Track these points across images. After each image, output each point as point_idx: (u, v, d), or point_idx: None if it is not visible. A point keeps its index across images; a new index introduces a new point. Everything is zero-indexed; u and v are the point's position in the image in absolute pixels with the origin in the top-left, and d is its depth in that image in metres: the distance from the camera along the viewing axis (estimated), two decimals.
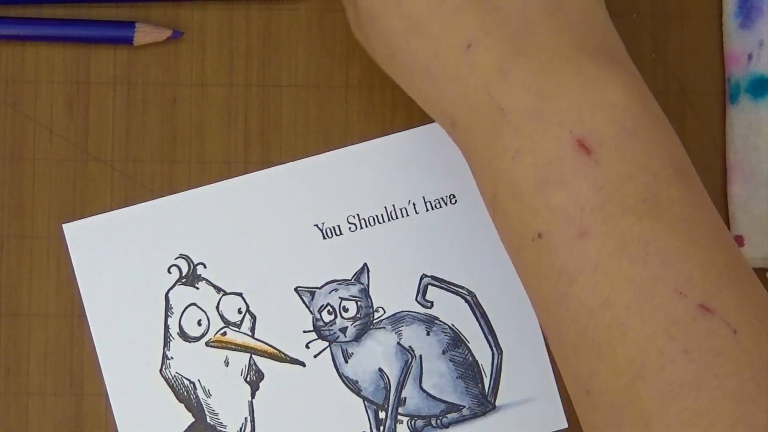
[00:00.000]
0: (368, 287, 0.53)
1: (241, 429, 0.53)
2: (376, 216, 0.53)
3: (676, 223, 0.42)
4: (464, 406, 0.53)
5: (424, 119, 0.54)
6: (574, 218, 0.42)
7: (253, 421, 0.53)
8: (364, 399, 0.53)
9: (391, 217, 0.53)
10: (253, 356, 0.53)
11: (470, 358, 0.53)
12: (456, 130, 0.46)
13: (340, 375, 0.53)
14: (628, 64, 0.45)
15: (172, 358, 0.53)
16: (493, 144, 0.44)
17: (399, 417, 0.53)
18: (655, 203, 0.42)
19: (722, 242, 0.43)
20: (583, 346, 0.42)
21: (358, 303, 0.53)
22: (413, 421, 0.53)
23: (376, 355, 0.53)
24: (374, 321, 0.53)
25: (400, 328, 0.53)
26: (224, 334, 0.53)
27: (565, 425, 0.53)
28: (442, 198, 0.53)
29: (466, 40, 0.44)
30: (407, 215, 0.53)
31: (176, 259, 0.53)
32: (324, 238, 0.53)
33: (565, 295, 0.42)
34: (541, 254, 0.43)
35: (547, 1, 0.44)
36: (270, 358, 0.53)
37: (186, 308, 0.53)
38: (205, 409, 0.53)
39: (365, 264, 0.53)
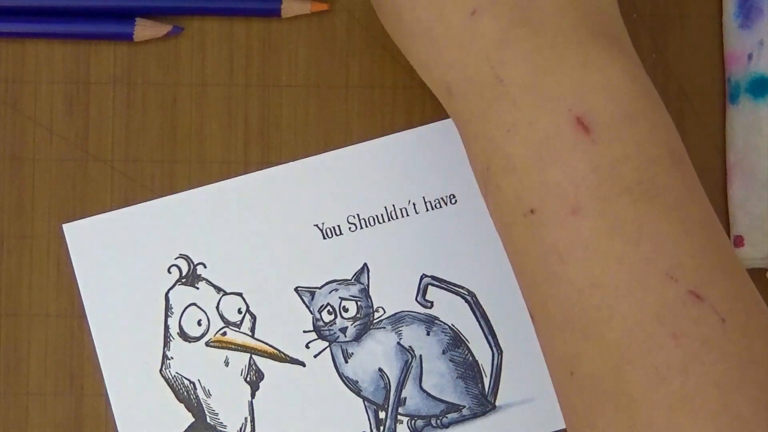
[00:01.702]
0: (368, 287, 0.53)
1: (241, 429, 0.53)
2: (376, 216, 0.53)
3: (670, 209, 0.41)
4: (464, 406, 0.53)
5: (424, 119, 0.54)
6: (569, 195, 0.41)
7: (253, 421, 0.53)
8: (364, 399, 0.53)
9: (391, 217, 0.53)
10: (253, 356, 0.53)
11: (470, 358, 0.53)
12: (452, 99, 0.45)
13: (340, 375, 0.53)
14: (630, 50, 0.44)
15: (172, 358, 0.53)
16: (489, 115, 0.43)
17: (399, 417, 0.53)
18: (650, 186, 0.41)
19: (713, 232, 0.42)
20: (570, 327, 0.41)
21: (358, 303, 0.53)
22: (413, 421, 0.53)
23: (376, 355, 0.53)
24: (374, 321, 0.53)
25: (400, 328, 0.53)
26: (224, 334, 0.53)
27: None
28: (442, 198, 0.53)
29: (471, 6, 0.43)
30: (407, 215, 0.53)
31: (176, 259, 0.53)
32: (324, 238, 0.53)
33: (555, 273, 0.42)
34: (533, 230, 0.42)
35: None
36: (270, 358, 0.53)
37: (186, 308, 0.53)
38: (205, 409, 0.53)
39: (365, 264, 0.53)
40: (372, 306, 0.53)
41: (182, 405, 0.53)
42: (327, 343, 0.53)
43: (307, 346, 0.53)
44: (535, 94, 0.42)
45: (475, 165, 0.45)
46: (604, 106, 0.42)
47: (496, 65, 0.43)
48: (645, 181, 0.41)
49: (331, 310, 0.53)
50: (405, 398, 0.53)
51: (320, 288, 0.53)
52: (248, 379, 0.53)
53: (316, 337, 0.53)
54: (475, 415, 0.53)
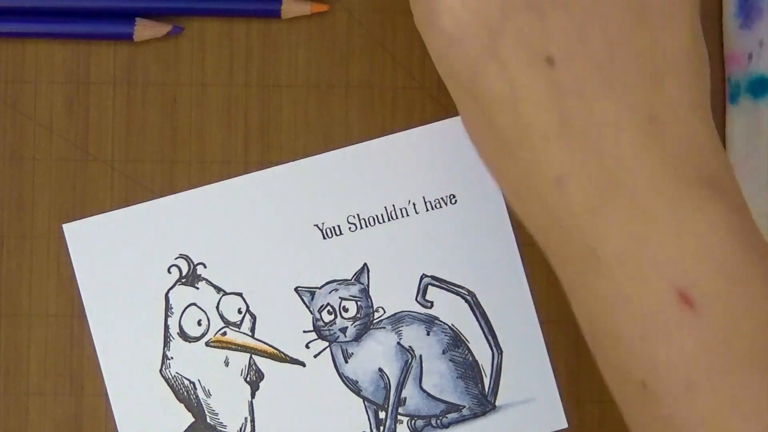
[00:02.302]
0: (368, 287, 0.53)
1: (241, 429, 0.53)
2: (376, 216, 0.53)
3: None
4: (464, 406, 0.53)
5: (424, 119, 0.54)
6: (680, 372, 0.40)
7: (253, 421, 0.53)
8: (364, 399, 0.53)
9: (391, 217, 0.53)
10: (253, 356, 0.53)
11: (470, 358, 0.53)
12: (552, 258, 0.43)
13: (340, 375, 0.53)
14: (730, 191, 0.41)
15: (172, 358, 0.53)
16: (588, 288, 0.42)
17: (399, 417, 0.53)
18: (764, 356, 0.39)
19: None
20: None
21: (358, 303, 0.53)
22: (413, 421, 0.53)
23: (376, 355, 0.53)
24: (374, 321, 0.53)
25: (400, 328, 0.53)
26: (224, 334, 0.53)
27: (565, 425, 0.53)
28: (442, 198, 0.53)
29: (555, 174, 0.41)
30: (407, 215, 0.53)
31: (176, 259, 0.53)
32: (324, 238, 0.53)
33: None
34: (646, 403, 0.41)
35: (643, 131, 0.41)
36: (270, 358, 0.53)
37: (186, 308, 0.53)
38: (205, 409, 0.53)
39: (365, 264, 0.53)
40: (372, 306, 0.53)
41: (182, 405, 0.53)
42: (327, 343, 0.53)
43: (307, 346, 0.53)
44: (631, 268, 0.40)
45: (583, 327, 0.43)
46: (707, 276, 0.40)
47: (589, 237, 0.41)
48: (757, 350, 0.39)
49: (331, 310, 0.53)
50: (405, 398, 0.53)
51: (320, 288, 0.53)
52: (248, 379, 0.53)
53: (316, 337, 0.53)
54: (475, 415, 0.53)
